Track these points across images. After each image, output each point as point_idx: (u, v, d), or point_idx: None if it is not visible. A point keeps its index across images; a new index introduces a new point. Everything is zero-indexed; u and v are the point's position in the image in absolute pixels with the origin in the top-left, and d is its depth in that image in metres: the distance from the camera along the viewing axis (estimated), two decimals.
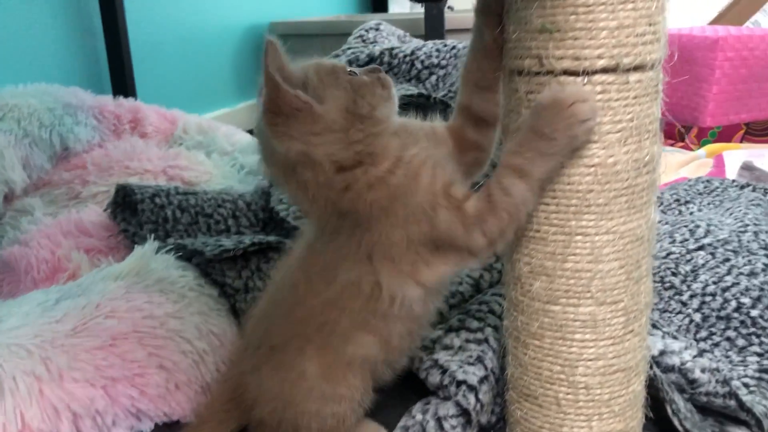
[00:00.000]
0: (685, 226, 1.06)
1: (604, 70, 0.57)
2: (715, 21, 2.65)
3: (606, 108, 0.57)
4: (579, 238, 0.60)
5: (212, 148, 1.41)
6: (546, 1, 0.56)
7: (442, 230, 0.61)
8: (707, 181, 1.33)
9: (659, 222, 1.11)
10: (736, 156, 1.69)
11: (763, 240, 1.01)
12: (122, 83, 1.55)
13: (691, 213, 1.23)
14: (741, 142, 1.84)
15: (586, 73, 0.57)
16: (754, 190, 1.31)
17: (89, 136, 1.29)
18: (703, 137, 1.82)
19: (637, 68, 0.57)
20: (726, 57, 1.76)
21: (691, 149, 1.84)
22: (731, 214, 1.13)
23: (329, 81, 0.62)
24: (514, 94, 0.61)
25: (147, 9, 1.67)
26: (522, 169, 0.58)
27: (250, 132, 2.10)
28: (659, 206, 1.27)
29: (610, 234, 0.60)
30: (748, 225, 1.05)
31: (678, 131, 1.89)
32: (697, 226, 1.06)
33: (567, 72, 0.57)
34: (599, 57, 0.56)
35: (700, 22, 2.69)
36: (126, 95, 1.52)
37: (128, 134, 1.36)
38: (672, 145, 1.90)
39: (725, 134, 1.83)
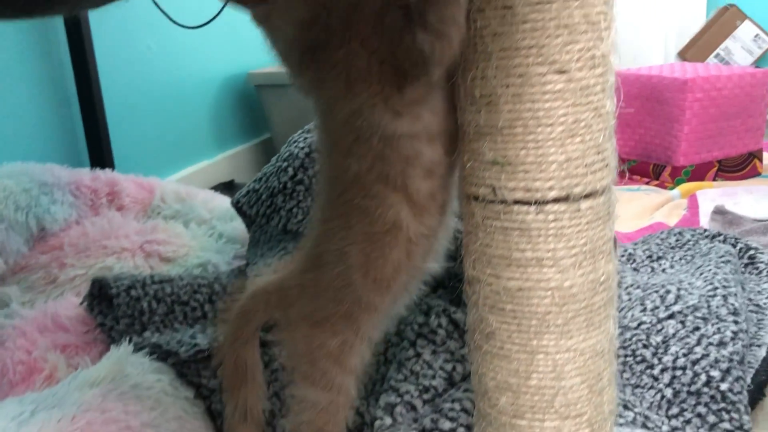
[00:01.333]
0: (656, 292, 1.08)
1: (556, 200, 0.58)
2: (683, 52, 2.70)
3: (559, 235, 0.59)
4: (541, 356, 0.62)
5: (190, 217, 1.42)
6: (497, 136, 0.58)
7: None
8: (679, 233, 1.35)
9: (631, 285, 1.13)
10: (709, 196, 1.72)
11: (732, 305, 1.03)
12: (99, 152, 1.55)
13: (663, 270, 1.25)
14: (714, 179, 1.87)
15: (538, 203, 0.58)
16: (724, 240, 1.33)
17: (66, 214, 1.29)
18: (677, 176, 1.85)
19: (588, 196, 0.59)
20: (695, 98, 1.79)
21: (666, 188, 1.87)
22: (701, 273, 1.15)
23: None
24: (471, 218, 0.63)
25: (120, 73, 1.68)
26: None
27: (230, 183, 2.12)
28: (632, 264, 1.29)
29: (570, 352, 0.62)
30: (717, 288, 1.07)
31: (653, 169, 1.92)
32: (668, 292, 1.07)
33: (519, 202, 0.59)
34: (550, 189, 0.58)
35: (672, 52, 2.73)
36: (104, 165, 1.53)
37: (106, 208, 1.37)
38: (647, 183, 1.93)
39: (699, 172, 1.85)
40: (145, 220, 1.39)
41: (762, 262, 1.29)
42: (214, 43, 2.01)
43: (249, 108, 2.26)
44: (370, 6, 0.60)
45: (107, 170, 1.46)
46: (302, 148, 1.15)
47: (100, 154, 1.57)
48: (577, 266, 0.60)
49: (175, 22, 1.52)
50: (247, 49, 2.11)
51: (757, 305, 1.17)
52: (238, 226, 1.39)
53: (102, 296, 1.02)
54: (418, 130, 0.62)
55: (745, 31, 2.64)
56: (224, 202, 1.50)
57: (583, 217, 0.59)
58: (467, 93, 0.59)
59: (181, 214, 1.43)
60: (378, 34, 0.59)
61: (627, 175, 1.96)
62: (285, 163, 1.15)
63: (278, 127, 2.19)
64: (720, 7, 2.70)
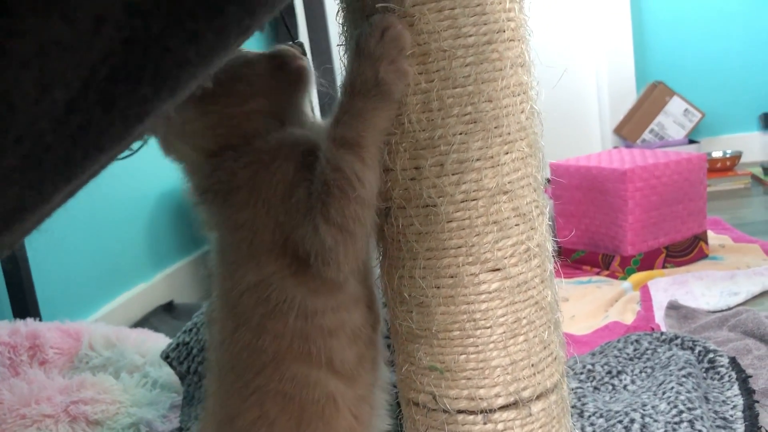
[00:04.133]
0: (620, 422, 1.03)
1: (504, 408, 0.52)
2: (618, 129, 2.75)
3: None
4: None
5: (121, 364, 1.31)
6: (432, 339, 0.52)
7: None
8: (636, 341, 1.31)
9: (594, 414, 1.07)
10: (661, 285, 1.70)
11: (699, 430, 0.98)
12: (22, 299, 1.45)
13: (625, 387, 1.20)
14: (664, 265, 1.85)
15: (485, 412, 0.52)
16: (682, 344, 1.29)
17: None
18: (627, 265, 1.83)
19: (539, 397, 0.53)
20: (636, 187, 1.79)
21: (617, 277, 1.84)
22: (664, 393, 1.11)
23: None
24: (413, 427, 0.56)
25: None
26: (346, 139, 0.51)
27: (170, 304, 2.02)
28: (592, 382, 1.23)
29: None
30: (682, 412, 1.02)
31: (602, 258, 1.90)
32: (632, 421, 1.02)
33: (464, 411, 0.53)
34: (496, 395, 0.52)
35: (608, 129, 2.78)
36: (27, 311, 1.42)
37: (27, 365, 1.26)
38: (598, 273, 1.91)
39: (648, 260, 1.84)
40: (72, 373, 1.28)
41: (722, 366, 1.25)
42: (146, 160, 1.94)
43: (186, 221, 2.18)
44: (283, 173, 0.54)
45: (29, 320, 1.35)
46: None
47: (22, 301, 1.46)
48: None
49: None
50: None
51: (724, 418, 1.12)
52: (173, 371, 1.29)
53: None
54: (341, 300, 0.56)
55: (675, 106, 2.71)
56: (158, 341, 1.40)
57: (536, 421, 0.53)
58: (395, 293, 0.54)
59: (111, 361, 1.32)
60: (285, 207, 0.54)
61: (568, 265, 1.94)
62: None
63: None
64: (649, 84, 2.77)
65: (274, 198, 0.54)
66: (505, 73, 0.48)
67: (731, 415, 1.12)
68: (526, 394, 0.52)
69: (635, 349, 1.29)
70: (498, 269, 0.50)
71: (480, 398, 0.52)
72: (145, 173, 1.99)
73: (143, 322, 1.79)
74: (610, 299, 1.68)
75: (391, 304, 0.55)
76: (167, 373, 1.31)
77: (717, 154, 2.55)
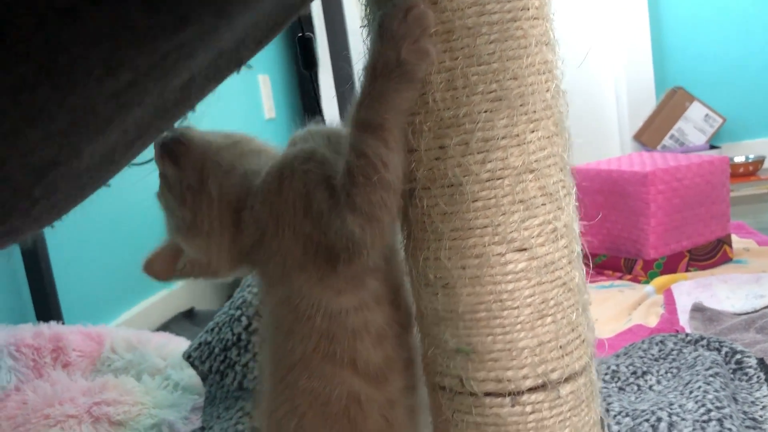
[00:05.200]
0: (647, 420, 1.01)
1: (532, 390, 0.52)
2: (638, 136, 2.73)
3: (540, 428, 0.52)
4: None
5: (143, 367, 1.32)
6: (458, 321, 0.52)
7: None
8: (661, 341, 1.29)
9: (620, 413, 1.05)
10: (685, 289, 1.68)
11: (729, 429, 0.96)
12: (45, 303, 1.46)
13: (650, 387, 1.18)
14: (687, 269, 1.83)
15: (512, 394, 0.52)
16: (708, 345, 1.27)
17: (4, 382, 1.19)
18: (650, 269, 1.81)
19: (568, 379, 0.53)
20: (658, 190, 1.78)
21: (640, 281, 1.82)
22: (691, 392, 1.09)
23: None
24: (439, 411, 0.55)
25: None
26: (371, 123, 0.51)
27: (191, 311, 2.02)
28: (617, 382, 1.22)
29: None
30: (711, 410, 1.00)
31: (624, 263, 1.88)
32: (659, 420, 1.00)
33: (491, 394, 0.52)
34: (524, 377, 0.51)
35: (628, 136, 2.76)
36: (50, 315, 1.43)
37: (50, 367, 1.26)
38: (620, 278, 1.89)
39: (670, 264, 1.82)
40: (94, 375, 1.29)
41: (750, 367, 1.23)
42: None
43: None
44: (294, 191, 0.55)
45: (52, 323, 1.36)
46: (256, 294, 1.07)
47: (46, 305, 1.47)
48: None
49: None
50: None
51: (753, 419, 1.10)
52: (194, 373, 1.29)
53: None
54: (363, 298, 0.57)
55: (695, 111, 2.69)
56: (180, 345, 1.40)
57: (564, 404, 0.52)
58: (420, 275, 0.53)
59: (132, 364, 1.32)
60: (308, 219, 0.55)
61: (591, 271, 1.92)
62: (238, 311, 1.07)
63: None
64: (668, 90, 2.75)
65: (295, 217, 0.56)
66: (530, 50, 0.48)
67: (761, 416, 1.10)
68: (554, 376, 0.52)
69: (660, 350, 1.27)
70: (525, 249, 0.50)
71: (508, 380, 0.51)
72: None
73: (164, 329, 1.79)
74: (632, 303, 1.66)
75: (416, 286, 0.54)
76: (189, 376, 1.31)
77: (739, 159, 2.53)
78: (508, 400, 0.52)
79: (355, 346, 0.56)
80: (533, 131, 0.49)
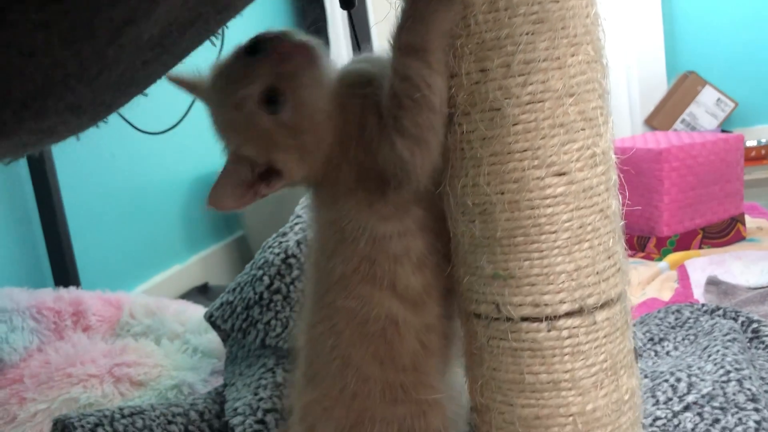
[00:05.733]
0: (666, 381, 1.01)
1: (569, 315, 0.52)
2: (650, 120, 2.73)
3: (576, 353, 0.52)
4: None
5: (162, 332, 1.33)
6: (495, 247, 0.52)
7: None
8: (677, 310, 1.30)
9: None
10: (698, 265, 1.68)
11: (749, 389, 0.97)
12: (63, 269, 1.47)
13: (668, 353, 1.19)
14: (700, 247, 1.83)
15: (549, 318, 0.52)
16: (725, 315, 1.28)
17: (27, 342, 1.20)
18: (663, 246, 1.81)
19: (603, 306, 0.53)
20: (672, 167, 1.78)
21: (653, 259, 1.82)
22: (709, 356, 1.09)
23: None
24: (474, 339, 0.56)
25: (83, 183, 1.61)
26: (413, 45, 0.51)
27: (205, 286, 2.03)
28: None
29: None
30: (730, 372, 1.01)
31: (637, 240, 1.88)
32: (678, 380, 1.00)
33: (528, 319, 0.53)
34: (561, 302, 0.52)
35: (639, 120, 2.76)
36: (68, 282, 1.44)
37: (71, 330, 1.27)
38: (633, 255, 1.89)
39: (683, 241, 1.82)
40: (114, 339, 1.30)
41: (767, 336, 1.23)
42: (182, 144, 1.96)
43: None
44: (352, 113, 0.56)
45: (71, 288, 1.37)
46: (277, 254, 1.08)
47: (64, 271, 1.48)
48: (598, 386, 0.53)
49: (139, 130, 1.47)
50: (217, 147, 2.07)
51: None
52: (213, 338, 1.30)
53: None
54: (408, 225, 0.57)
55: (707, 95, 2.68)
56: (198, 312, 1.41)
57: (600, 330, 0.53)
58: (458, 202, 0.54)
59: (152, 329, 1.33)
60: (361, 145, 0.55)
61: None
62: (260, 272, 1.08)
63: (252, 224, 2.12)
64: (680, 74, 2.75)
65: (350, 141, 0.56)
66: None
67: None
68: (590, 301, 0.52)
69: (677, 319, 1.27)
70: (563, 173, 0.50)
71: (544, 304, 0.52)
72: (181, 158, 2.01)
73: None
74: (646, 278, 1.67)
75: (454, 215, 0.55)
76: (208, 340, 1.32)
77: (751, 143, 2.52)
78: (544, 324, 0.52)
79: (396, 271, 0.57)
80: (573, 55, 0.50)
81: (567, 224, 0.51)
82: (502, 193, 0.51)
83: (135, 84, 0.63)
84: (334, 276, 0.58)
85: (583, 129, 0.51)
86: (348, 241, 0.57)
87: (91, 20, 0.40)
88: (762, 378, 1.11)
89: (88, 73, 0.48)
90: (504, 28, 0.48)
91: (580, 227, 0.51)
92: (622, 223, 0.55)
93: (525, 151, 0.50)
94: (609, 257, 0.53)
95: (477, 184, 0.52)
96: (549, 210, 0.51)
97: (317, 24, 2.51)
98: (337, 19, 2.56)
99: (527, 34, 0.48)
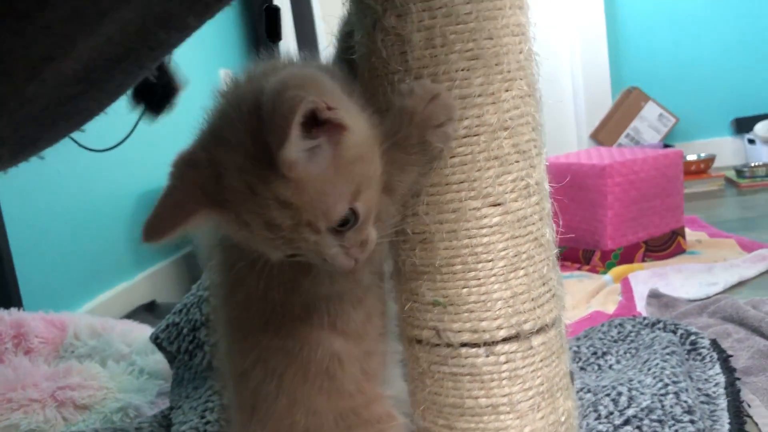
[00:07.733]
0: (607, 395, 1.04)
1: (506, 340, 0.54)
2: (595, 134, 2.80)
3: (514, 377, 0.54)
4: None
5: (107, 353, 1.30)
6: (435, 275, 0.54)
7: None
8: (620, 324, 1.34)
9: (581, 389, 1.09)
10: (641, 278, 1.73)
11: (685, 401, 1.00)
12: (4, 290, 1.43)
13: (610, 366, 1.22)
14: (643, 260, 1.89)
15: (487, 344, 0.54)
16: (665, 328, 1.32)
17: None
18: (607, 259, 1.86)
19: (539, 331, 0.55)
20: (615, 182, 1.83)
21: (598, 272, 1.87)
22: (649, 369, 1.12)
23: None
24: (416, 364, 0.57)
25: (25, 200, 1.58)
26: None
27: (152, 304, 2.00)
28: (578, 362, 1.25)
29: None
30: (668, 385, 1.04)
31: (582, 254, 1.93)
32: (620, 394, 1.03)
33: (467, 344, 0.54)
34: (498, 328, 0.53)
35: (585, 134, 2.83)
36: (10, 303, 1.41)
37: (11, 354, 1.24)
38: (579, 269, 1.93)
39: (627, 254, 1.87)
40: (58, 362, 1.27)
41: (704, 347, 1.27)
42: (127, 160, 1.94)
43: None
44: None
45: (12, 310, 1.33)
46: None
47: (5, 292, 1.44)
48: (536, 409, 0.55)
49: (84, 147, 1.45)
50: (162, 162, 2.04)
51: (707, 395, 1.14)
52: (160, 359, 1.28)
53: None
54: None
55: (650, 111, 2.77)
56: (144, 332, 1.39)
57: (536, 354, 0.55)
58: (399, 231, 0.55)
59: (97, 350, 1.31)
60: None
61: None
62: (207, 293, 1.07)
63: (201, 240, 2.10)
64: (624, 90, 2.83)
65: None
66: (504, 12, 0.51)
67: (714, 392, 1.14)
68: (527, 327, 0.54)
69: (619, 332, 1.31)
70: (499, 204, 0.52)
71: (483, 330, 0.53)
72: (127, 174, 1.98)
73: None
74: (591, 291, 1.71)
75: (395, 242, 0.56)
76: (154, 361, 1.30)
77: (692, 157, 2.61)
78: (482, 350, 0.54)
79: (336, 309, 0.57)
80: (507, 90, 0.51)
81: (503, 253, 0.52)
82: (441, 223, 0.53)
83: (64, 119, 0.62)
84: (261, 316, 0.57)
85: (517, 161, 0.52)
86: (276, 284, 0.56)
87: (3, 59, 0.41)
88: (698, 389, 1.15)
89: (7, 107, 0.48)
90: (441, 65, 0.50)
91: (516, 255, 0.53)
92: (555, 252, 0.56)
93: (462, 182, 0.52)
94: (544, 284, 0.55)
95: (417, 214, 0.53)
96: (486, 239, 0.52)
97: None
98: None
99: (463, 70, 0.50)
